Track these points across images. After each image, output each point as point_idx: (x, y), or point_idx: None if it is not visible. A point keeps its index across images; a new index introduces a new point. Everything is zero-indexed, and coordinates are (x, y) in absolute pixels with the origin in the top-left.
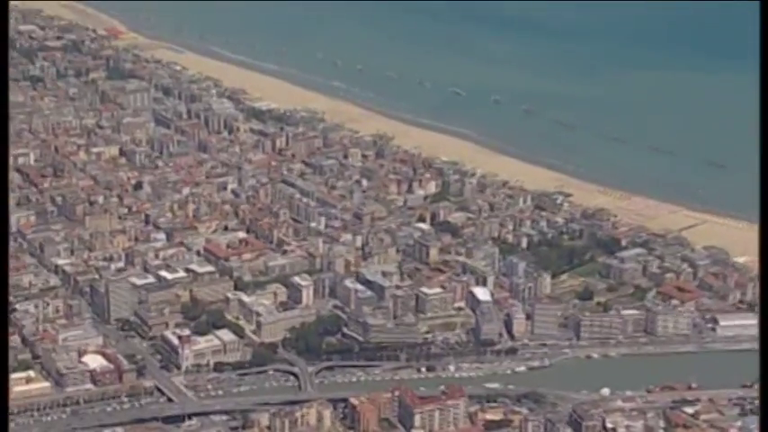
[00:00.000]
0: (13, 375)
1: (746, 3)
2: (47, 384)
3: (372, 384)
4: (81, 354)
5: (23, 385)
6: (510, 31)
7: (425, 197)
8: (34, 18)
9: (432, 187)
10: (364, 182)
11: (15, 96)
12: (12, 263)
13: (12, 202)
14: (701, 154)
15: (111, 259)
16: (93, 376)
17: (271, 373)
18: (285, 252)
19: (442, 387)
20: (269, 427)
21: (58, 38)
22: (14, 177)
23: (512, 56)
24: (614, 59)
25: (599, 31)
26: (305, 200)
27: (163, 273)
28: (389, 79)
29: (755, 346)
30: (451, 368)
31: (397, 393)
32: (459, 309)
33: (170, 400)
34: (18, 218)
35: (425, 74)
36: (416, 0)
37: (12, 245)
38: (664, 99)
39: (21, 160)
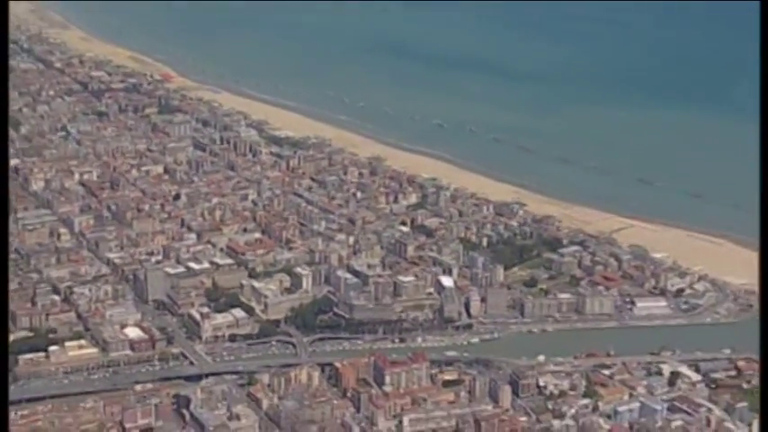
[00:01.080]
0: (68, 343)
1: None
2: (95, 350)
3: (355, 352)
4: (123, 326)
5: (76, 351)
6: (485, 75)
7: (408, 206)
8: (105, 66)
9: (413, 198)
10: (359, 194)
11: (84, 126)
12: (72, 256)
13: (76, 208)
14: (633, 173)
15: (151, 254)
16: (132, 344)
17: (273, 343)
18: (291, 248)
19: (410, 354)
20: (269, 385)
21: (122, 81)
22: (79, 189)
23: (485, 95)
24: (568, 98)
25: (556, 75)
26: (310, 207)
27: (191, 264)
28: (386, 113)
29: (664, 323)
30: (419, 340)
31: (372, 359)
32: (429, 293)
33: (192, 363)
34: (80, 221)
35: (415, 109)
36: (409, 50)
37: (73, 242)
38: (606, 130)
39: (85, 176)
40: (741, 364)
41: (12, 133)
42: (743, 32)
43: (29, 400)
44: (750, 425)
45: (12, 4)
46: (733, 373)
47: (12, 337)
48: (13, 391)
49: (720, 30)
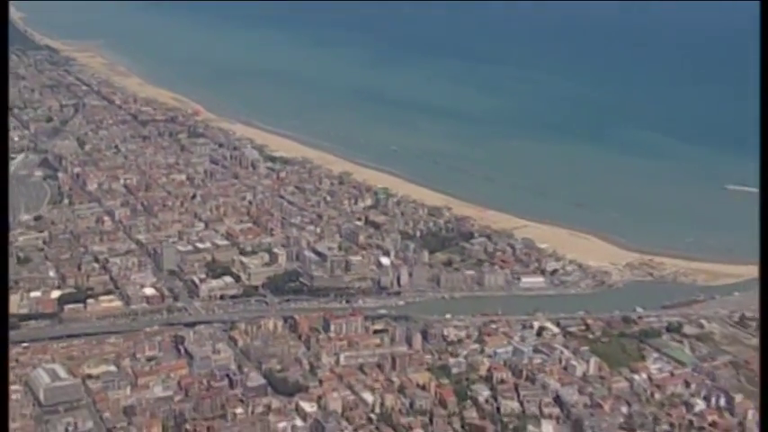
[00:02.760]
0: (102, 297)
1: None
2: (120, 303)
3: (311, 310)
4: (142, 287)
5: (107, 303)
6: (433, 116)
7: (364, 207)
8: (151, 104)
9: (368, 202)
10: (328, 197)
11: (131, 146)
12: (111, 236)
13: (118, 203)
14: (534, 188)
15: (169, 236)
16: (148, 299)
17: (252, 301)
18: (272, 234)
19: (350, 310)
20: (245, 330)
21: (163, 114)
22: (122, 190)
23: (432, 131)
24: (493, 134)
25: (487, 117)
26: (290, 206)
27: (198, 244)
28: (357, 142)
29: (540, 293)
30: (360, 302)
31: (323, 314)
32: (371, 269)
33: (190, 314)
34: (119, 212)
35: (379, 139)
36: (380, 97)
37: (113, 227)
38: (519, 157)
39: (128, 181)
40: (590, 321)
41: (77, 149)
42: (625, 88)
43: (68, 336)
44: (588, 362)
45: (84, 57)
46: (583, 327)
47: (60, 293)
48: (58, 330)
49: (608, 86)
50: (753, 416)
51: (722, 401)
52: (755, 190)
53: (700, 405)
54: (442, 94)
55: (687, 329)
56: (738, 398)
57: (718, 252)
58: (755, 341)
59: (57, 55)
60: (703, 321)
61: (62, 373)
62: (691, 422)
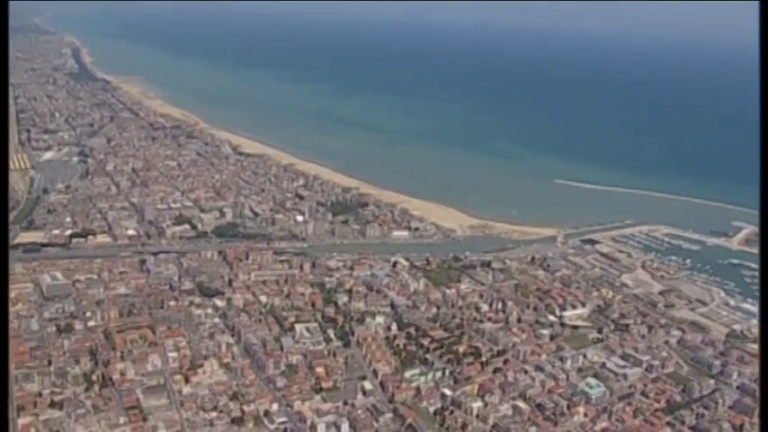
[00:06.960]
0: (99, 235)
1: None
2: (110, 239)
3: (240, 247)
4: (127, 229)
5: (102, 239)
6: (363, 130)
7: (296, 186)
8: (165, 117)
9: (301, 182)
10: (273, 179)
11: (143, 143)
12: (113, 198)
13: (124, 179)
14: (420, 177)
15: (154, 200)
16: (129, 237)
17: (202, 241)
18: (225, 200)
19: (265, 247)
20: (190, 257)
21: (171, 123)
22: (129, 170)
23: (360, 139)
24: (403, 142)
25: (402, 131)
26: (243, 184)
27: (172, 205)
28: (304, 144)
29: (404, 242)
30: (277, 244)
31: (246, 249)
32: (290, 224)
33: (156, 247)
34: (124, 184)
35: (320, 143)
36: (328, 115)
37: (116, 193)
38: (416, 157)
39: (134, 165)
40: (431, 259)
41: (105, 144)
42: (502, 113)
43: (71, 258)
44: (419, 282)
45: (127, 86)
46: (425, 263)
47: (71, 231)
48: (65, 254)
49: (491, 113)
50: (516, 313)
51: (499, 306)
52: (575, 183)
53: (484, 308)
54: (372, 115)
55: (494, 264)
56: (510, 303)
57: (531, 220)
58: (537, 272)
59: (108, 85)
60: (507, 260)
61: (60, 277)
62: (475, 318)
